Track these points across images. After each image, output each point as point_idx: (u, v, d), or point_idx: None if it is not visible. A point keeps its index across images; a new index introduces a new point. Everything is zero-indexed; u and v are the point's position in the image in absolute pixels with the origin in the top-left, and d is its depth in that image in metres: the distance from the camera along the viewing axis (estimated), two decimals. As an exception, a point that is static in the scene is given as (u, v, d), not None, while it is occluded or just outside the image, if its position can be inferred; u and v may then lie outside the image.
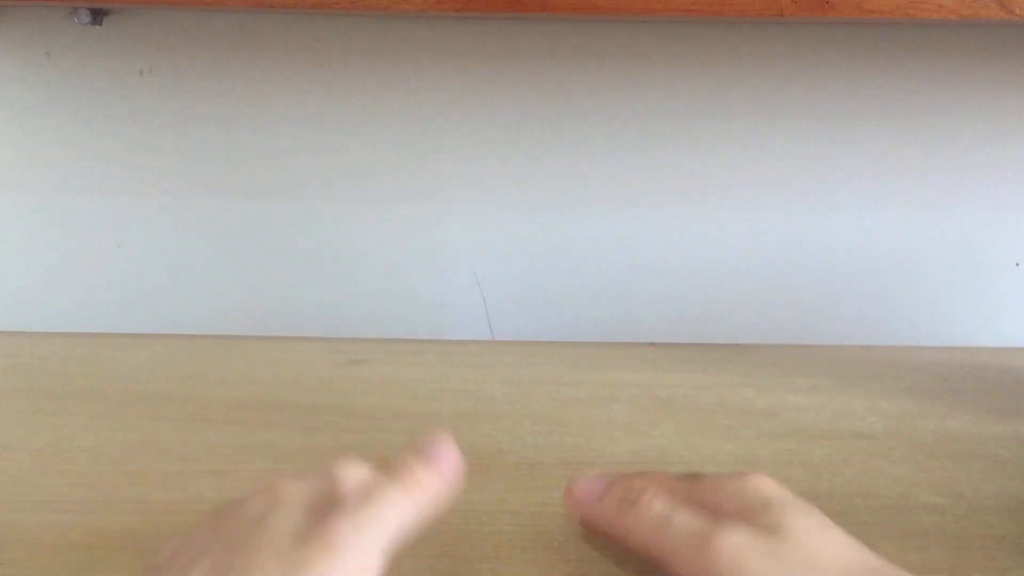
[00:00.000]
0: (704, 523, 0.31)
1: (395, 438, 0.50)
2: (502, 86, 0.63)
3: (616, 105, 0.63)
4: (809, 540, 0.30)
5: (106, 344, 0.63)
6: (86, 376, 0.58)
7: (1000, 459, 0.49)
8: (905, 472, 0.47)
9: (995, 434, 0.52)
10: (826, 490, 0.45)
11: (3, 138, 0.64)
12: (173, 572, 0.29)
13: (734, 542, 0.30)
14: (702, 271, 0.67)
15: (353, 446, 0.49)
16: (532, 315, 0.68)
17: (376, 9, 0.50)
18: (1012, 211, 0.66)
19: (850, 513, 0.43)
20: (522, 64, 0.62)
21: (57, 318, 0.68)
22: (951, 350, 0.65)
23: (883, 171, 0.65)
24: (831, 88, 0.63)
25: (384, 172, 0.65)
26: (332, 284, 0.68)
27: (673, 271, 0.67)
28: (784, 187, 0.65)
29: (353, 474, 0.33)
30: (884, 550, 0.33)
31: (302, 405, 0.53)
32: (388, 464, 0.34)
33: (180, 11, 0.61)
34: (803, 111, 0.64)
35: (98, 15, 0.60)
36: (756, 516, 0.32)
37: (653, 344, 0.65)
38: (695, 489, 0.35)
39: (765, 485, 0.34)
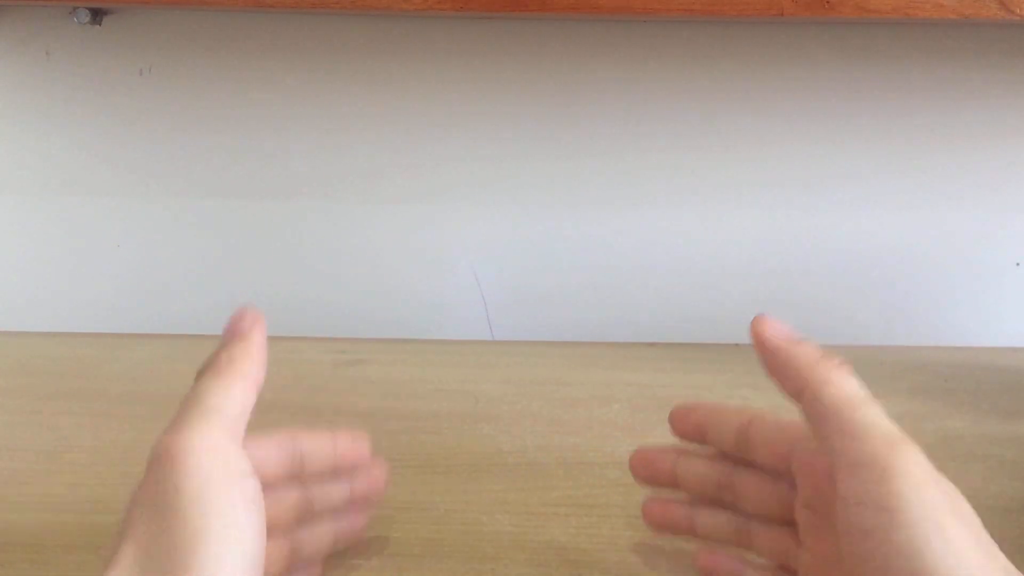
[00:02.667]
0: (900, 432, 0.29)
1: (395, 438, 0.50)
2: (502, 86, 0.63)
3: (616, 105, 0.63)
4: (973, 516, 0.28)
5: (106, 344, 0.63)
6: (86, 376, 0.58)
7: (1000, 459, 0.49)
8: (905, 472, 0.47)
9: (995, 434, 0.52)
10: (826, 490, 0.45)
11: (3, 138, 0.64)
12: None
13: (924, 463, 0.28)
14: (702, 271, 0.67)
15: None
16: (532, 315, 0.68)
17: (376, 9, 0.50)
18: (1012, 211, 0.66)
19: (850, 513, 0.43)
20: (522, 64, 0.62)
21: (57, 318, 0.68)
22: (951, 350, 0.65)
23: (883, 171, 0.65)
24: (831, 88, 0.63)
25: (384, 172, 0.65)
26: (332, 284, 0.68)
27: (673, 271, 0.67)
28: (784, 187, 0.65)
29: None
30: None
31: (302, 405, 0.53)
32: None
33: (180, 11, 0.61)
34: (803, 111, 0.64)
35: (98, 15, 0.60)
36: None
37: (653, 344, 0.65)
38: None
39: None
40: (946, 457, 0.49)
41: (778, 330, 0.33)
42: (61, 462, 0.47)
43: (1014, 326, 0.69)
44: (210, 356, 0.32)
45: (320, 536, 0.36)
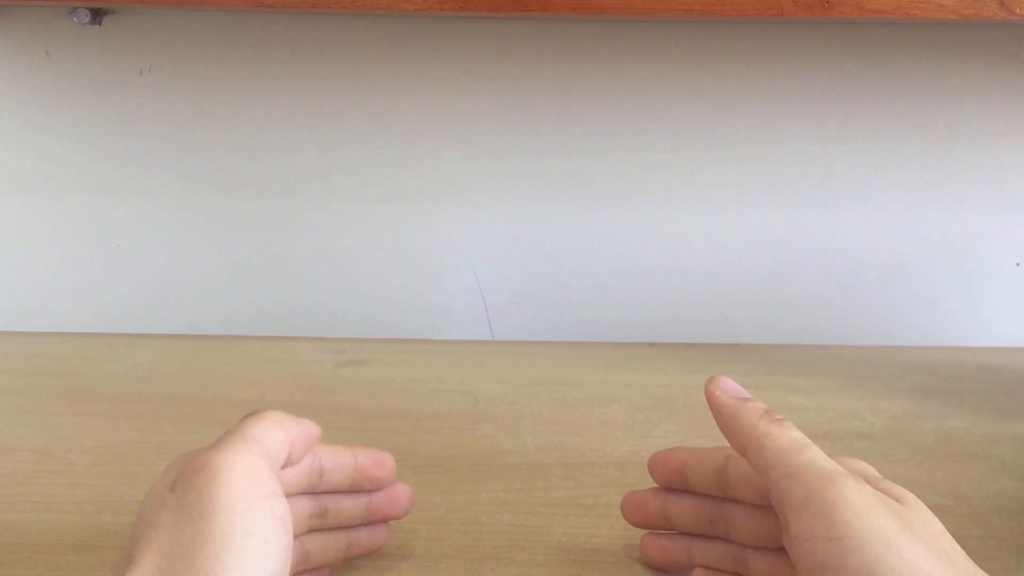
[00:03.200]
0: (839, 467, 0.30)
1: (395, 438, 0.50)
2: (502, 86, 0.63)
3: (616, 105, 0.63)
4: (931, 524, 0.30)
5: (106, 344, 0.63)
6: (86, 376, 0.58)
7: (1000, 459, 0.49)
8: (906, 472, 0.47)
9: (995, 434, 0.52)
10: (826, 490, 0.45)
11: (3, 138, 0.64)
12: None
13: (864, 490, 0.29)
14: (702, 271, 0.67)
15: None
16: (532, 315, 0.68)
17: (376, 9, 0.51)
18: (1012, 211, 0.66)
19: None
20: (522, 64, 0.62)
21: (57, 318, 0.68)
22: (951, 350, 0.65)
23: (883, 171, 0.65)
24: (831, 88, 0.63)
25: (384, 172, 0.65)
26: (332, 284, 0.68)
27: (673, 271, 0.67)
28: (784, 187, 0.65)
29: None
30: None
31: (302, 405, 0.53)
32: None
33: (180, 11, 0.61)
34: (803, 111, 0.64)
35: (98, 15, 0.59)
36: (879, 484, 0.31)
37: (653, 344, 0.65)
38: None
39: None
40: (946, 457, 0.49)
41: (728, 389, 0.35)
42: (61, 462, 0.47)
43: (1014, 326, 0.69)
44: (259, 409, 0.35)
45: (332, 546, 0.36)
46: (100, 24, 0.60)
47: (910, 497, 0.31)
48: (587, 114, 0.64)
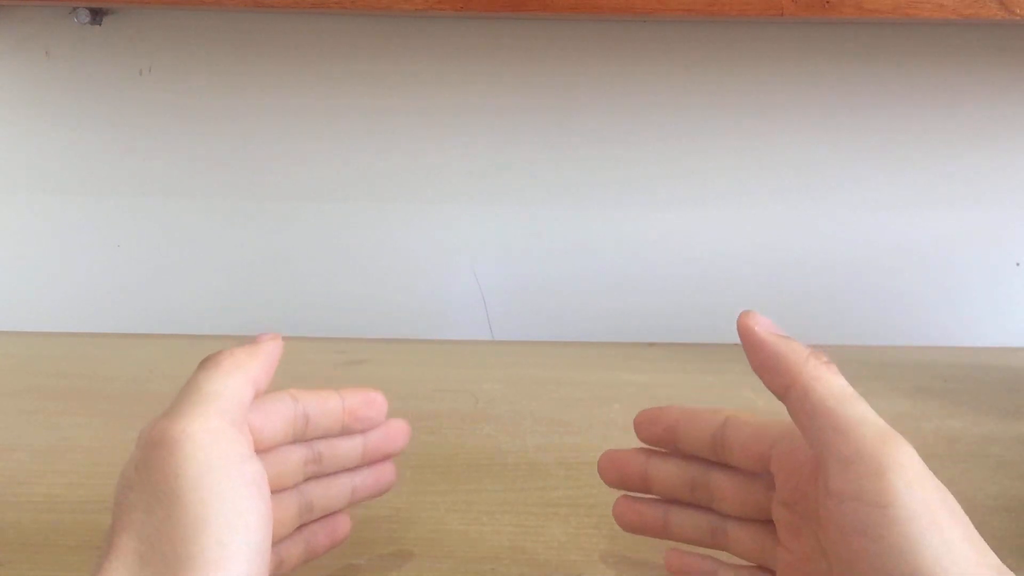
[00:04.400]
0: (891, 428, 0.28)
1: (395, 438, 0.50)
2: (502, 86, 0.63)
3: (616, 105, 0.63)
4: (959, 509, 0.28)
5: (106, 344, 0.63)
6: (86, 376, 0.58)
7: (1000, 459, 0.49)
8: (905, 472, 0.47)
9: (995, 434, 0.52)
10: (826, 490, 0.45)
11: (3, 138, 0.64)
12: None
13: (916, 459, 0.27)
14: (702, 271, 0.67)
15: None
16: (532, 315, 0.68)
17: (376, 9, 0.51)
18: (1012, 211, 0.66)
19: (850, 513, 0.43)
20: (522, 64, 0.62)
21: (57, 318, 0.68)
22: (951, 350, 0.65)
23: (883, 171, 0.65)
24: (831, 88, 0.63)
25: (384, 172, 0.65)
26: (332, 284, 0.68)
27: (673, 271, 0.67)
28: (784, 187, 0.65)
29: None
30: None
31: (302, 405, 0.53)
32: None
33: (180, 11, 0.61)
34: (803, 111, 0.64)
35: (98, 15, 0.60)
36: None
37: (653, 344, 0.65)
38: None
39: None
40: (946, 457, 0.49)
41: (766, 325, 0.32)
42: (61, 462, 0.47)
43: (1014, 326, 0.69)
44: (213, 353, 0.32)
45: (334, 492, 0.35)
46: (100, 24, 0.60)
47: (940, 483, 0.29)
48: (587, 114, 0.64)
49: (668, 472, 0.35)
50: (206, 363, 0.31)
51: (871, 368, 0.61)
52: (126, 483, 0.28)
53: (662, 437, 0.35)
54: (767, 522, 0.32)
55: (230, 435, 0.28)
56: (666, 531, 0.35)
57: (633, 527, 0.36)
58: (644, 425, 0.36)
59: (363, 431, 0.35)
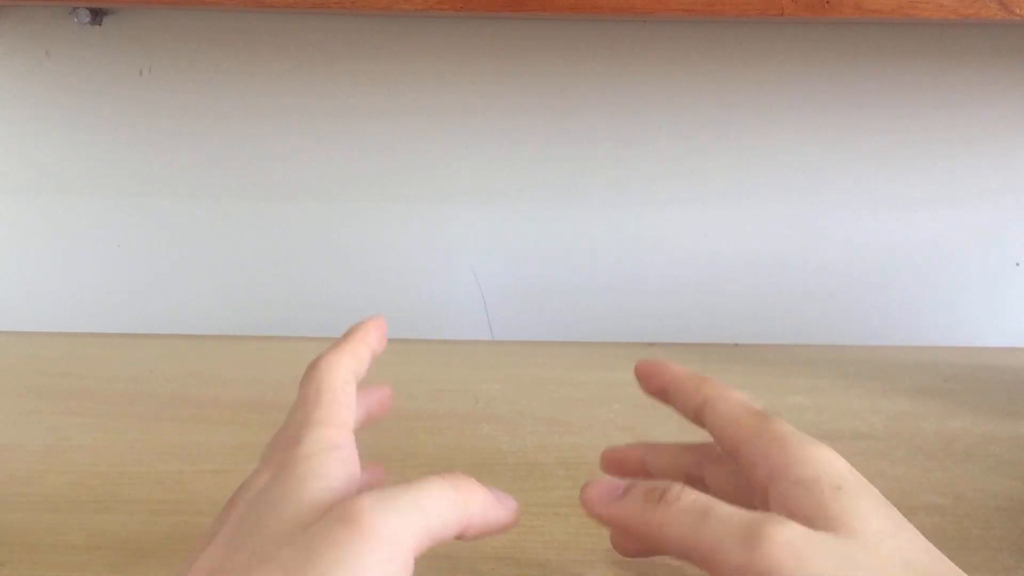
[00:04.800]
0: (753, 512, 0.26)
1: (395, 438, 0.50)
2: (502, 86, 0.63)
3: (616, 105, 0.63)
4: (882, 543, 0.25)
5: (106, 344, 0.63)
6: (86, 376, 0.58)
7: (1000, 459, 0.49)
8: (905, 472, 0.47)
9: (995, 434, 0.52)
10: (826, 490, 0.45)
11: (3, 138, 0.64)
12: (182, 569, 0.26)
13: (792, 535, 0.25)
14: (702, 271, 0.67)
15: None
16: (532, 315, 0.68)
17: (376, 9, 0.50)
18: (1012, 211, 0.66)
19: (850, 513, 0.43)
20: (522, 64, 0.62)
21: (57, 318, 0.68)
22: (951, 350, 0.65)
23: (883, 171, 0.65)
24: (831, 88, 0.63)
25: (384, 172, 0.65)
26: (332, 284, 0.68)
27: (673, 271, 0.67)
28: (784, 187, 0.65)
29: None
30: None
31: (302, 405, 0.53)
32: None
33: (180, 11, 0.61)
34: (803, 111, 0.64)
35: (98, 15, 0.60)
36: (819, 506, 0.27)
37: (653, 344, 0.65)
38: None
39: (833, 462, 0.29)
40: (946, 457, 0.49)
41: (601, 492, 0.31)
42: (61, 462, 0.47)
43: (1014, 326, 0.69)
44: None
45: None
46: (100, 24, 0.60)
47: (869, 521, 0.26)
48: (587, 114, 0.64)
49: (665, 462, 0.36)
50: (445, 475, 0.29)
51: (871, 368, 0.61)
52: (284, 533, 0.25)
53: (656, 392, 0.36)
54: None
55: (408, 554, 0.27)
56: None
57: (619, 470, 0.37)
58: (643, 375, 0.37)
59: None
